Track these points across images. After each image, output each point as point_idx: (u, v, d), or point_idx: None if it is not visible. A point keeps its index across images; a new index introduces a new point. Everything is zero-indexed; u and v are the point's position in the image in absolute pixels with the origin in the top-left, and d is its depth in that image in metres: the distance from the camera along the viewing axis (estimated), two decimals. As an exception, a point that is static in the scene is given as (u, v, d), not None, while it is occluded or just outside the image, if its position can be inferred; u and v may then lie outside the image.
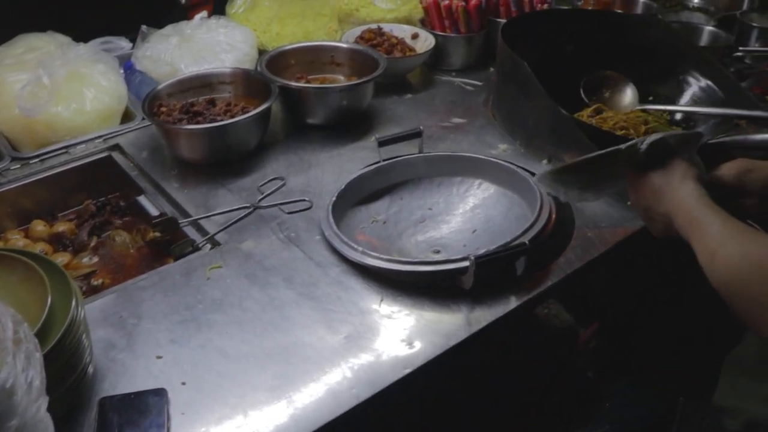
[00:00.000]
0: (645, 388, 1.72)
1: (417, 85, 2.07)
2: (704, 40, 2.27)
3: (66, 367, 1.06)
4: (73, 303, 1.07)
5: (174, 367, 1.17)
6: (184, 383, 1.14)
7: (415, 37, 2.08)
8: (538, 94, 1.66)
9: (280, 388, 1.13)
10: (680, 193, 1.13)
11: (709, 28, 2.28)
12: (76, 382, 1.09)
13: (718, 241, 1.00)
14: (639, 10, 2.44)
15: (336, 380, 1.15)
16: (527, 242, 1.29)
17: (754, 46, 2.32)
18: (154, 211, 1.57)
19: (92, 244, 1.60)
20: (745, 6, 2.48)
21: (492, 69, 2.12)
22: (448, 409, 1.67)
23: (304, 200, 1.54)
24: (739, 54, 2.30)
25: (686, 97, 1.93)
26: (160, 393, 1.11)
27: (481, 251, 1.28)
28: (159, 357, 1.19)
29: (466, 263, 1.26)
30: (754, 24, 2.33)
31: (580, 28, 2.00)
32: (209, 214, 1.51)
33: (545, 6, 2.17)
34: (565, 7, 2.33)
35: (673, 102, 1.93)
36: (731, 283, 0.96)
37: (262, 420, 1.09)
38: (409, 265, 1.30)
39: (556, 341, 1.62)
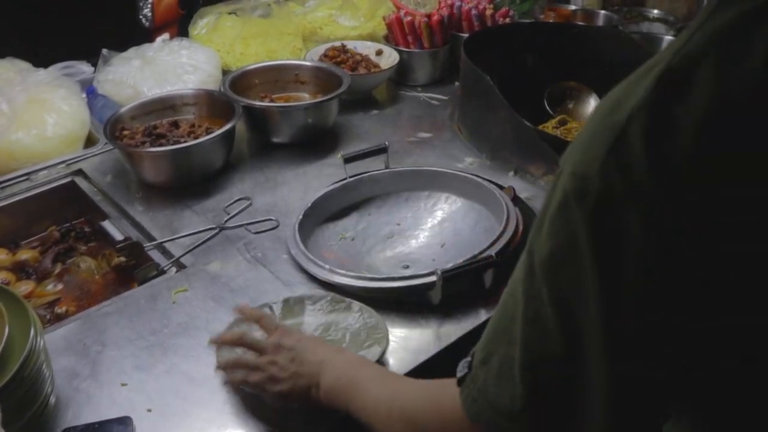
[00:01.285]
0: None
1: (383, 101, 2.07)
2: (665, 50, 2.30)
3: (26, 398, 1.03)
4: (32, 333, 1.04)
5: (139, 394, 1.14)
6: (149, 410, 1.11)
7: (379, 53, 2.09)
8: (501, 106, 1.67)
9: (249, 410, 1.11)
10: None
11: (669, 38, 2.31)
12: (38, 413, 1.07)
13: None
14: (600, 21, 2.46)
15: (305, 401, 1.13)
16: (494, 255, 1.29)
17: (715, 53, 2.35)
18: (118, 236, 1.55)
19: (56, 271, 1.58)
20: (704, 14, 2.51)
21: (457, 83, 2.13)
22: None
23: (270, 219, 1.53)
24: (700, 62, 2.33)
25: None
26: (124, 421, 1.09)
27: (449, 265, 1.28)
28: (123, 384, 1.16)
29: (433, 278, 1.25)
30: (714, 32, 2.37)
31: (541, 41, 2.02)
32: (174, 236, 1.49)
33: (507, 20, 2.19)
34: (527, 21, 2.36)
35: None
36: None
37: (229, 444, 1.07)
38: (377, 282, 1.29)
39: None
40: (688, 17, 2.57)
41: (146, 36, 2.26)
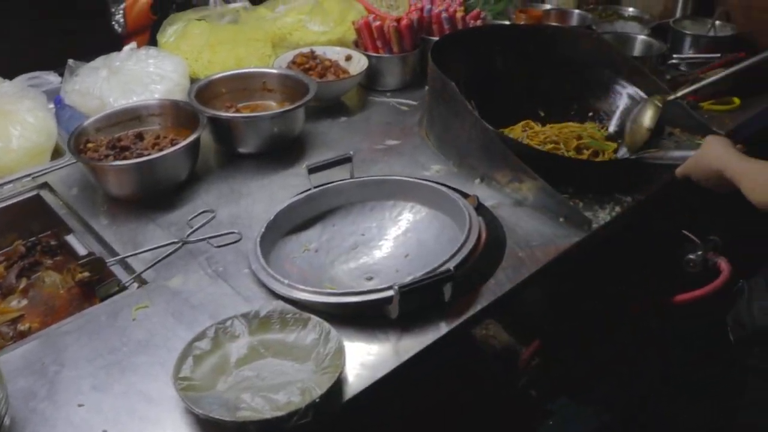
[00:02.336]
0: (587, 404, 1.72)
1: (352, 107, 2.06)
2: (638, 50, 2.30)
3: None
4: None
5: (96, 415, 1.14)
6: (105, 431, 1.12)
7: (348, 59, 2.08)
8: (467, 112, 1.66)
9: (205, 430, 1.11)
10: (724, 154, 1.45)
11: (642, 37, 2.31)
12: (-9, 435, 1.07)
13: (756, 179, 1.35)
14: (574, 21, 2.46)
15: (261, 420, 1.13)
16: (452, 268, 1.29)
17: (688, 53, 2.35)
18: (82, 251, 1.54)
19: (21, 286, 1.57)
20: (678, 13, 2.51)
21: (427, 88, 2.12)
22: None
23: (233, 233, 1.52)
24: (674, 61, 2.33)
25: (620, 108, 1.95)
26: (79, 443, 1.09)
27: (408, 279, 1.27)
28: (80, 405, 1.16)
29: (391, 293, 1.25)
30: (687, 31, 2.37)
31: (512, 44, 2.01)
32: (137, 251, 1.49)
33: (479, 22, 2.18)
34: (497, 23, 2.35)
35: (610, 117, 1.94)
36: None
37: (183, 466, 1.07)
38: (335, 297, 1.29)
39: (496, 362, 1.61)
40: (664, 15, 2.56)
41: (119, 42, 2.24)
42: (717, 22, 2.41)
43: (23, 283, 1.58)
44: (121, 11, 2.52)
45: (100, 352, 1.26)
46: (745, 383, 1.64)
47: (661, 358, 1.94)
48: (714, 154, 1.47)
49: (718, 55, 2.30)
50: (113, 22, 2.57)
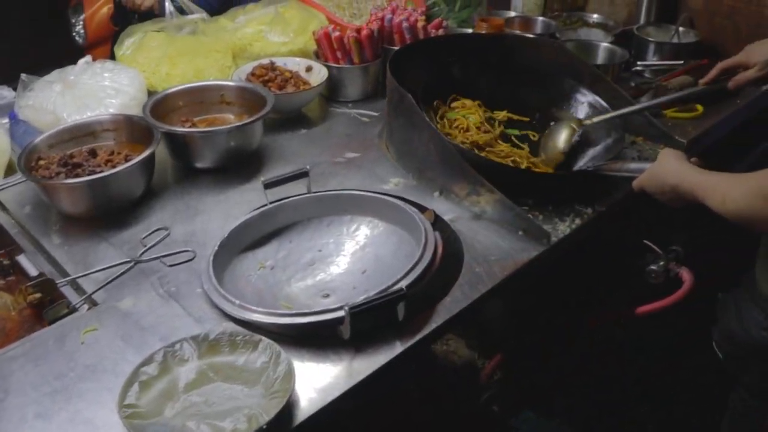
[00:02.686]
0: (549, 418, 1.71)
1: (313, 119, 2.04)
2: (601, 58, 2.30)
3: None
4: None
5: (39, 444, 1.12)
6: (48, 461, 1.09)
7: (309, 69, 2.06)
8: (425, 125, 1.65)
9: (149, 460, 1.09)
10: (678, 168, 1.44)
11: (606, 44, 2.30)
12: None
13: (722, 191, 1.31)
14: (538, 28, 2.45)
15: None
16: (405, 288, 1.27)
17: (652, 60, 2.36)
18: (33, 271, 1.51)
19: (-30, 308, 1.53)
20: (641, 20, 2.51)
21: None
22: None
23: (187, 251, 1.50)
24: (638, 68, 2.33)
25: (581, 115, 1.95)
26: (21, 475, 1.06)
27: (362, 298, 1.26)
28: (24, 434, 1.13)
29: (341, 313, 1.23)
30: (650, 39, 2.37)
31: (473, 54, 2.00)
32: (88, 272, 1.46)
33: (440, 31, 2.17)
34: (458, 32, 2.34)
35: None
36: (743, 214, 1.27)
37: (127, 497, 1.04)
38: (287, 318, 1.27)
39: (456, 378, 1.60)
40: (628, 21, 2.56)
41: (80, 54, 2.20)
42: (680, 29, 2.42)
43: (-27, 304, 1.55)
44: (82, 22, 2.50)
45: (46, 378, 1.23)
46: (725, 396, 1.64)
47: (622, 369, 1.94)
48: (669, 168, 1.46)
49: (681, 62, 2.31)
50: (74, 34, 2.54)
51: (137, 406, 1.12)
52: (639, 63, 2.33)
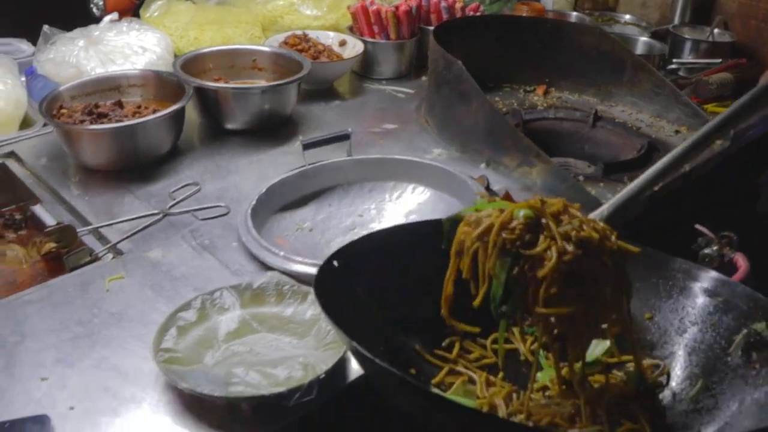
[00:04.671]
0: None
1: (345, 93, 1.95)
2: (639, 51, 2.23)
3: None
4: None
5: (60, 390, 0.99)
6: (71, 408, 0.97)
7: (342, 44, 1.97)
8: (474, 93, 1.56)
9: (189, 409, 0.97)
10: None
11: (644, 39, 2.25)
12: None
13: None
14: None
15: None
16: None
17: (688, 58, 2.30)
18: (50, 221, 1.39)
19: (-22, 259, 1.41)
20: (676, 20, 2.46)
21: (424, 78, 2.03)
22: None
23: (220, 206, 1.39)
24: (673, 66, 2.27)
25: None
26: (40, 420, 0.94)
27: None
28: (44, 379, 1.01)
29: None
30: (687, 36, 2.31)
31: (512, 36, 1.94)
32: (112, 221, 1.34)
33: (478, 13, 2.10)
34: (499, 14, 2.27)
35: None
36: None
37: (163, 447, 0.92)
38: (337, 270, 1.16)
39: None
40: (661, 23, 2.51)
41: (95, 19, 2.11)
42: (715, 30, 2.36)
43: (-20, 256, 1.42)
44: (101, -7, 2.39)
45: (66, 323, 1.11)
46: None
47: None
48: None
49: (719, 60, 2.25)
50: (92, 5, 2.43)
51: (175, 351, 1.01)
52: (674, 60, 2.27)
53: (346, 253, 0.99)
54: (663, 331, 1.03)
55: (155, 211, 1.37)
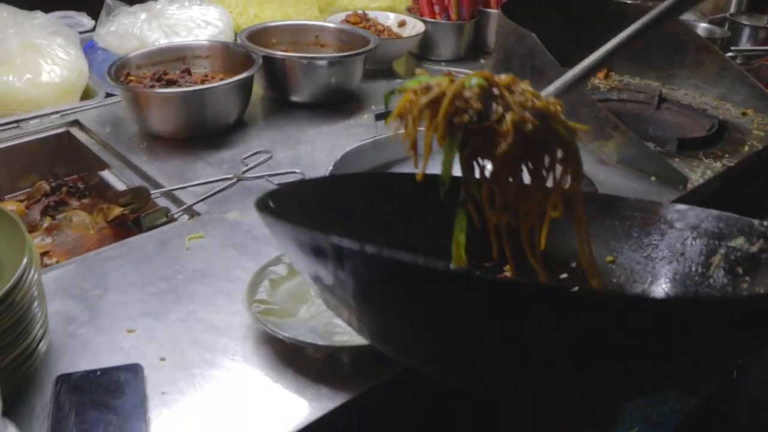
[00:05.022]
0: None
1: (405, 74, 1.92)
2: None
3: (9, 336, 0.84)
4: (25, 260, 0.85)
5: (149, 342, 0.96)
6: (162, 359, 0.93)
7: (402, 24, 1.94)
8: (549, 66, 1.52)
9: (285, 362, 0.93)
10: None
11: (704, 24, 2.21)
12: (24, 356, 0.87)
13: None
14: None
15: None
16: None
17: (746, 45, 2.26)
18: (120, 186, 1.37)
19: (45, 225, 1.38)
20: (732, 8, 2.43)
21: (483, 61, 2.00)
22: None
23: (295, 172, 1.36)
24: (731, 54, 2.23)
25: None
26: (133, 369, 0.90)
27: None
28: (131, 331, 0.97)
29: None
30: (745, 23, 2.28)
31: (575, 17, 1.90)
32: (186, 185, 1.31)
33: (538, -2, 2.06)
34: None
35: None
36: None
37: (259, 398, 0.88)
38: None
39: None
40: (715, 12, 2.48)
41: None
42: (773, 18, 2.33)
43: (47, 221, 1.40)
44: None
45: (149, 279, 1.08)
46: None
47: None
48: None
49: (777, 47, 2.21)
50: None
51: (270, 303, 0.97)
52: (732, 48, 2.23)
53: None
54: (630, 272, 0.94)
55: (229, 176, 1.33)
